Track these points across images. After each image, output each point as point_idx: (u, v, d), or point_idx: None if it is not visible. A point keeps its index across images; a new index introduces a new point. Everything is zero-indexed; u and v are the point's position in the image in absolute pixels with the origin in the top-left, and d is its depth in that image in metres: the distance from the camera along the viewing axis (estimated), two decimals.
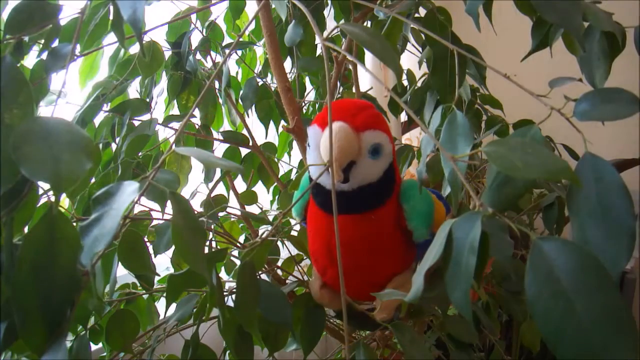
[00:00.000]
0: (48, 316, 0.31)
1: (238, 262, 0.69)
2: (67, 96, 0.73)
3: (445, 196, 0.58)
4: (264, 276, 0.74)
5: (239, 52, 0.96)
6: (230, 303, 0.46)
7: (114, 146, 0.75)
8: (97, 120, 0.74)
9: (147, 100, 0.76)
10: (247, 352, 0.51)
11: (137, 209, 0.65)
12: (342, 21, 0.80)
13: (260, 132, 0.89)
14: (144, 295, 0.69)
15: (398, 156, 0.79)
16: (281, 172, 0.95)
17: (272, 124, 0.91)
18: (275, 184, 0.88)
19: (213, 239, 0.73)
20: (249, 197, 0.85)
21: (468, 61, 0.61)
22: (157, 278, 0.70)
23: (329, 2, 0.80)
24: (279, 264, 0.77)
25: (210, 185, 0.82)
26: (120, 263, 0.48)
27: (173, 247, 0.50)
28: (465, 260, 0.29)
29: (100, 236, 0.31)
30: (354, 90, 0.85)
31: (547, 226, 0.69)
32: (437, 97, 0.68)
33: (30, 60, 0.61)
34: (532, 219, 0.86)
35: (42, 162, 0.28)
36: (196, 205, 0.80)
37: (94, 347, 0.60)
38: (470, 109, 0.76)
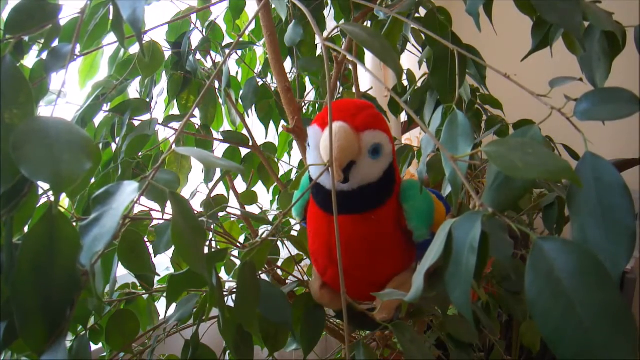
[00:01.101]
0: (48, 316, 0.31)
1: (238, 262, 0.69)
2: (67, 96, 0.73)
3: (446, 196, 0.58)
4: (264, 276, 0.74)
5: (239, 52, 0.96)
6: (230, 303, 0.46)
7: (114, 146, 0.75)
8: (97, 120, 0.74)
9: (147, 100, 0.76)
10: (247, 352, 0.51)
11: (137, 209, 0.65)
12: (342, 21, 0.80)
13: (260, 132, 0.89)
14: (144, 295, 0.69)
15: (398, 156, 0.79)
16: (281, 172, 0.95)
17: (272, 124, 0.91)
18: (275, 184, 0.88)
19: (213, 239, 0.73)
20: (249, 197, 0.85)
21: (468, 61, 0.61)
22: (157, 278, 0.70)
23: (329, 2, 0.80)
24: (279, 264, 0.77)
25: (210, 185, 0.82)
26: (120, 263, 0.48)
27: (173, 247, 0.50)
28: (465, 260, 0.29)
29: (100, 236, 0.31)
30: (354, 90, 0.85)
31: (547, 226, 0.69)
32: (437, 97, 0.68)
33: (30, 60, 0.61)
34: (532, 219, 0.86)
35: (41, 162, 0.28)
36: (196, 205, 0.80)
37: (94, 347, 0.60)
38: (470, 109, 0.76)
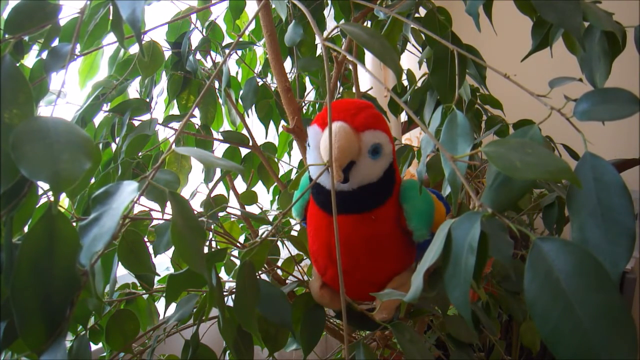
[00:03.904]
0: (47, 316, 0.31)
1: (238, 262, 0.69)
2: (67, 96, 0.73)
3: (445, 196, 0.58)
4: (264, 276, 0.74)
5: (239, 52, 0.96)
6: (230, 303, 0.46)
7: (114, 146, 0.76)
8: (97, 120, 0.74)
9: (147, 100, 0.76)
10: (247, 352, 0.51)
11: (137, 209, 0.65)
12: (342, 21, 0.80)
13: (260, 132, 0.89)
14: (144, 295, 0.69)
15: (398, 156, 0.79)
16: (281, 172, 0.95)
17: (272, 124, 0.91)
18: (275, 184, 0.88)
19: (213, 239, 0.73)
20: (249, 197, 0.85)
21: (468, 61, 0.61)
22: (157, 278, 0.70)
23: (329, 2, 0.80)
24: (279, 264, 0.77)
25: (210, 185, 0.82)
26: (120, 263, 0.48)
27: (173, 247, 0.50)
28: (465, 260, 0.29)
29: (99, 236, 0.31)
30: (354, 90, 0.85)
31: (547, 226, 0.69)
32: (437, 97, 0.68)
33: (30, 60, 0.61)
34: (532, 219, 0.86)
35: (41, 161, 0.28)
36: (196, 205, 0.80)
37: (94, 347, 0.60)
38: (470, 109, 0.76)
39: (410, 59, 1.45)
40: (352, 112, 0.49)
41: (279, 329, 0.54)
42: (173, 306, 0.52)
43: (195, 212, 0.52)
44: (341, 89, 0.95)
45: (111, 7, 0.53)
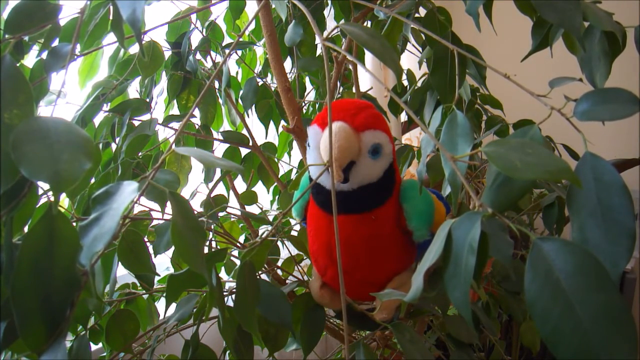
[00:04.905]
0: (48, 316, 0.31)
1: (238, 262, 0.69)
2: (67, 96, 0.73)
3: (445, 196, 0.58)
4: (264, 276, 0.74)
5: (239, 52, 0.96)
6: (230, 303, 0.46)
7: (114, 146, 0.76)
8: (97, 120, 0.74)
9: (147, 100, 0.76)
10: (247, 352, 0.51)
11: (137, 209, 0.65)
12: (342, 21, 0.80)
13: (260, 132, 0.89)
14: (144, 295, 0.69)
15: (398, 156, 0.79)
16: (281, 172, 0.95)
17: (272, 124, 0.92)
18: (275, 184, 0.88)
19: (213, 239, 0.73)
20: (249, 197, 0.85)
21: (468, 61, 0.61)
22: (157, 278, 0.70)
23: (329, 2, 0.80)
24: (279, 264, 0.77)
25: (210, 185, 0.82)
26: (120, 263, 0.48)
27: (173, 247, 0.50)
28: (465, 261, 0.29)
29: (100, 236, 0.31)
30: (354, 90, 0.85)
31: (547, 226, 0.69)
32: (437, 97, 0.68)
33: (30, 60, 0.61)
34: (532, 219, 0.86)
35: (41, 162, 0.28)
36: (196, 205, 0.80)
37: (94, 347, 0.60)
38: (470, 109, 0.76)
39: (410, 59, 1.45)
40: (352, 112, 0.49)
41: (279, 329, 0.54)
42: (173, 306, 0.52)
43: (195, 212, 0.52)
44: (341, 89, 0.96)
45: (111, 7, 0.53)
